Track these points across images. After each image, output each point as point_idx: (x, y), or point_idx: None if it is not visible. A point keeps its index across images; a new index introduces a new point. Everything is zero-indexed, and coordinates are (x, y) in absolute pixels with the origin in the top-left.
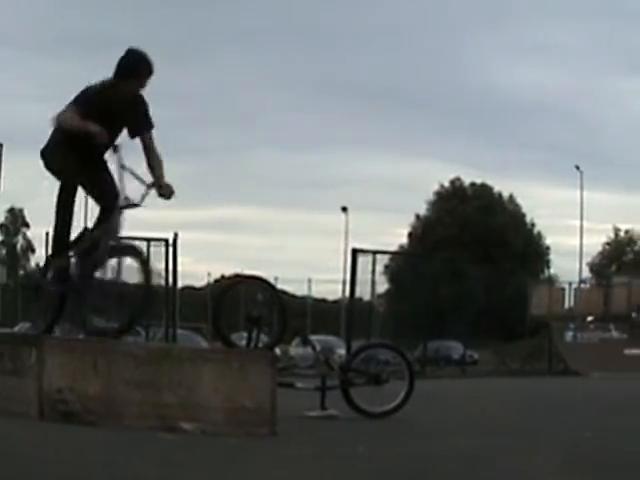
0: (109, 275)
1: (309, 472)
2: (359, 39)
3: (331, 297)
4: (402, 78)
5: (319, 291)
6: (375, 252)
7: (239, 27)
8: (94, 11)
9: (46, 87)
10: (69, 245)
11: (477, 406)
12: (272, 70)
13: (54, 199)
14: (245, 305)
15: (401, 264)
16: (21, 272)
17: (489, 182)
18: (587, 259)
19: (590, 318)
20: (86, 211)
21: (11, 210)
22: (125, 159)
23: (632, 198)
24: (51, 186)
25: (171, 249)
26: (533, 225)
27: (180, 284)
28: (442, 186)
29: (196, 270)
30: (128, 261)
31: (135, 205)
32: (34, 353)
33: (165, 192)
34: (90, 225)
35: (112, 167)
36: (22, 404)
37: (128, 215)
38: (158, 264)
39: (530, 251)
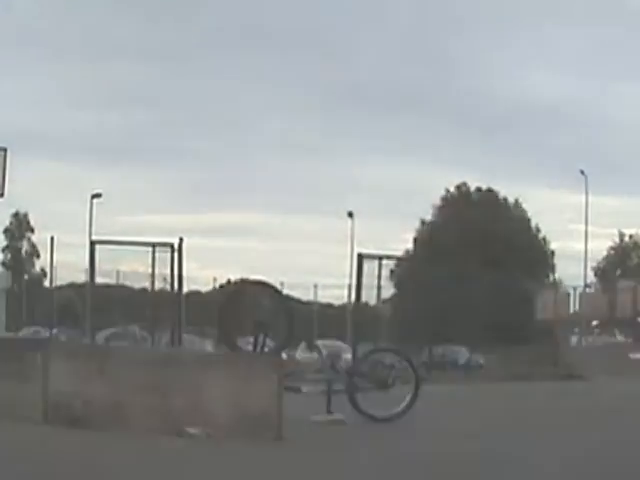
0: None
1: (315, 476)
2: (362, 41)
3: (337, 302)
4: (408, 82)
5: (325, 296)
6: (381, 257)
7: (240, 29)
8: (94, 13)
9: (50, 91)
10: None
11: (483, 410)
12: (277, 73)
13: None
14: (252, 310)
15: (407, 269)
16: (25, 277)
17: (495, 187)
18: (592, 264)
19: (595, 322)
20: None
21: (16, 215)
22: None
23: (637, 203)
24: (55, 191)
25: (176, 254)
26: (538, 230)
27: (186, 289)
28: (448, 191)
29: (202, 275)
30: None
31: None
32: (39, 358)
33: None
34: None
35: None
36: (27, 408)
37: (137, 220)
38: (163, 269)
39: (535, 256)
